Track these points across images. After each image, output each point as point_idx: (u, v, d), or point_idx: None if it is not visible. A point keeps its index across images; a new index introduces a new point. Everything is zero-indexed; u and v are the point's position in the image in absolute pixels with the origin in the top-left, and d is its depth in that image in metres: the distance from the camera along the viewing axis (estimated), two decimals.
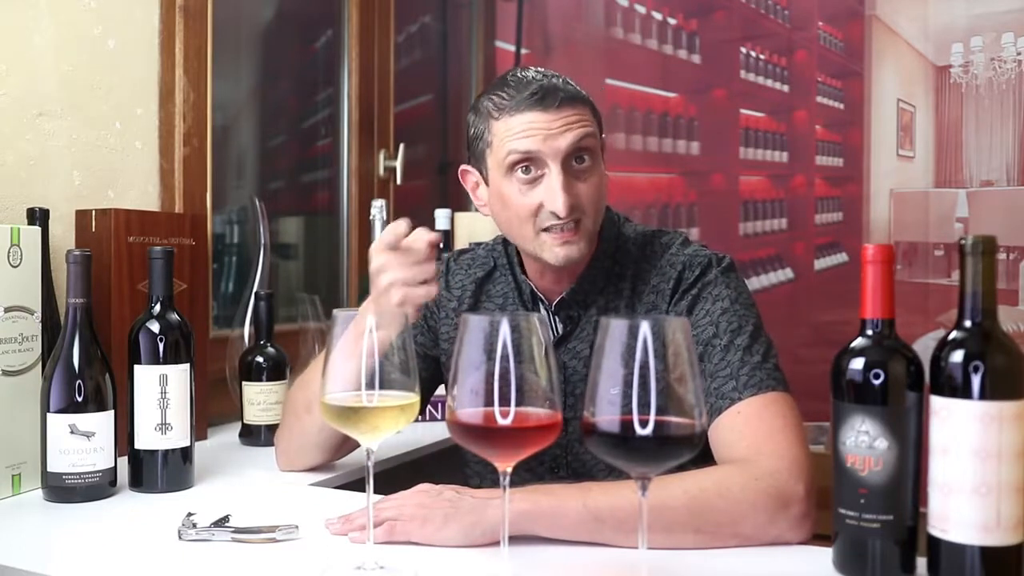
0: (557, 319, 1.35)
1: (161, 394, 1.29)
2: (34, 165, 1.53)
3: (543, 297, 1.36)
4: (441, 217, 2.14)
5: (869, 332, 0.94)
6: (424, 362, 1.40)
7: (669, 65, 2.53)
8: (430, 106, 2.76)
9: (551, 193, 1.23)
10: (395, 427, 0.95)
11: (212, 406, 1.73)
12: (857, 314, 0.95)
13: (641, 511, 0.84)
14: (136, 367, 1.29)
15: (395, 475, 1.54)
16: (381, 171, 2.40)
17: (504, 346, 0.83)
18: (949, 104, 2.21)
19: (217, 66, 1.87)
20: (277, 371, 1.66)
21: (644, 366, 0.78)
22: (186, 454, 1.32)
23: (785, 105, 2.41)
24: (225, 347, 1.79)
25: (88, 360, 1.25)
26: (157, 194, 1.76)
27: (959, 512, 0.88)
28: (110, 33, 1.66)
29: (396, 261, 1.16)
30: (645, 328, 0.79)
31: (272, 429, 1.56)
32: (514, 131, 1.23)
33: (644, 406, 0.78)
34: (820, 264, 2.37)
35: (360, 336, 0.91)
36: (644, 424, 0.78)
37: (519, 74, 1.27)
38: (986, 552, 0.87)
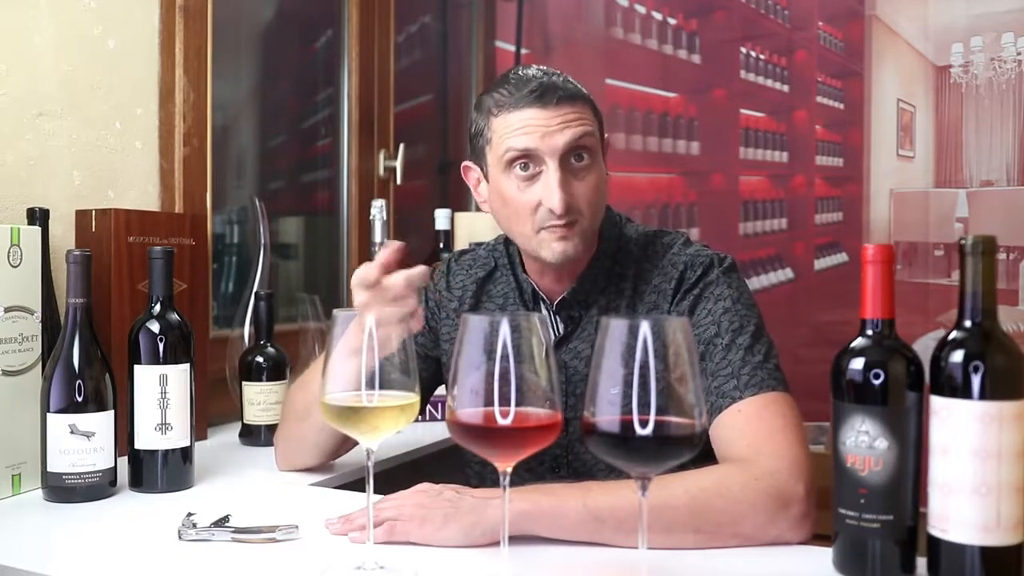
0: (558, 319, 1.35)
1: (161, 394, 1.29)
2: (34, 165, 1.53)
3: (544, 297, 1.36)
4: (441, 217, 2.13)
5: (869, 332, 0.94)
6: (425, 362, 1.40)
7: (669, 65, 2.52)
8: (430, 106, 2.76)
9: (548, 190, 1.23)
10: (395, 427, 0.95)
11: (212, 406, 1.73)
12: (857, 314, 0.95)
13: (641, 511, 0.84)
14: (136, 367, 1.29)
15: (395, 475, 1.54)
16: (381, 171, 2.40)
17: (504, 346, 0.82)
18: (949, 104, 2.20)
19: (217, 66, 1.87)
20: (277, 371, 1.66)
21: (644, 366, 0.78)
22: (186, 454, 1.33)
23: (785, 105, 2.41)
24: (225, 347, 1.79)
25: (88, 360, 1.25)
26: (157, 194, 1.76)
27: (959, 512, 0.88)
28: (110, 33, 1.66)
29: (374, 299, 1.14)
30: (645, 328, 0.79)
31: (272, 429, 1.56)
32: (512, 128, 1.24)
33: (644, 406, 0.78)
34: (820, 264, 2.37)
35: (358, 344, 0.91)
36: (644, 424, 0.78)
37: (520, 72, 1.28)
38: (986, 552, 0.87)
